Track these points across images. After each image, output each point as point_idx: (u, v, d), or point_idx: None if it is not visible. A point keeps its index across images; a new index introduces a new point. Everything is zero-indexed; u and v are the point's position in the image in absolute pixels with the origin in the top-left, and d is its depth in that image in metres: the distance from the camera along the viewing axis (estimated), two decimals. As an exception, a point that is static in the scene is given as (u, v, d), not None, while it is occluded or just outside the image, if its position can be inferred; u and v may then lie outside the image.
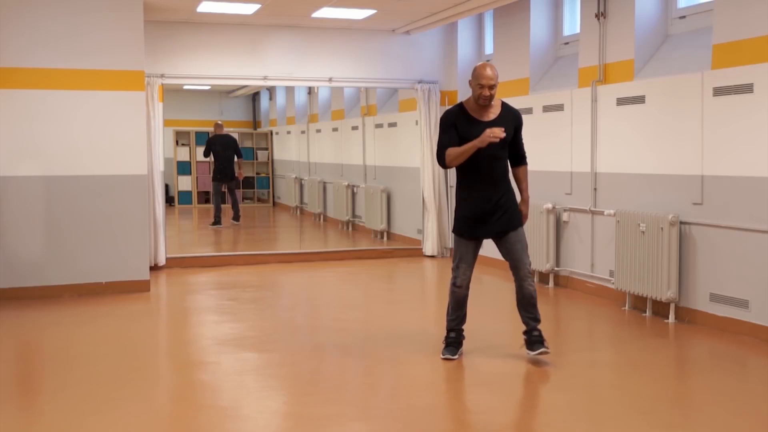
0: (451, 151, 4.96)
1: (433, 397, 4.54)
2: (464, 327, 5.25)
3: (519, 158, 5.23)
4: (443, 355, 5.15)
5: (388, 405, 4.43)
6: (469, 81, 4.99)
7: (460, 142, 4.96)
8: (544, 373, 4.93)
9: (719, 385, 4.80)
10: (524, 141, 5.25)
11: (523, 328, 5.14)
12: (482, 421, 4.25)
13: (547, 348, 5.03)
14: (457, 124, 4.99)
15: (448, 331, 5.23)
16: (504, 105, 5.11)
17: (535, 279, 7.57)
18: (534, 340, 5.06)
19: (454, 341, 5.20)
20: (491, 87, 4.91)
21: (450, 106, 5.23)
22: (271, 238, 13.12)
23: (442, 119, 5.10)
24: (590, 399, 4.52)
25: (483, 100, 4.94)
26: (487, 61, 9.69)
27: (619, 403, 4.43)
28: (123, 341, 5.88)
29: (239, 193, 15.34)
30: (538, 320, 5.10)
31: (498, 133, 4.81)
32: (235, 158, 13.45)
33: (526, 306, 5.08)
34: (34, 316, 6.71)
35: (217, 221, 13.23)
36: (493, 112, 5.03)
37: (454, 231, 5.15)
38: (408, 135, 10.69)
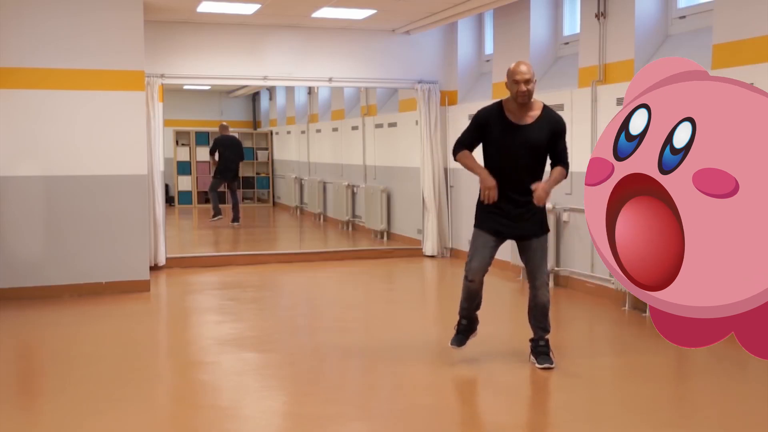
0: (463, 158, 4.92)
1: (433, 397, 4.54)
2: (478, 313, 5.08)
3: (559, 163, 4.95)
4: (451, 343, 5.05)
5: (388, 405, 4.43)
6: (505, 83, 4.84)
7: (489, 143, 4.86)
8: (544, 372, 4.92)
9: (719, 385, 4.80)
10: None
11: (530, 336, 5.02)
12: (482, 421, 4.26)
13: (552, 362, 4.89)
14: (489, 125, 4.86)
15: (461, 318, 5.08)
16: (545, 109, 4.89)
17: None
18: (540, 351, 4.95)
19: (465, 328, 5.06)
20: (527, 82, 4.72)
21: (488, 104, 5.01)
22: (271, 238, 13.13)
23: (475, 115, 4.96)
24: (590, 399, 4.52)
25: (521, 97, 4.75)
26: (487, 61, 9.71)
27: (619, 403, 4.43)
28: (123, 341, 5.88)
29: (239, 193, 15.43)
30: (547, 330, 4.96)
31: (490, 197, 4.75)
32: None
33: (538, 315, 4.96)
34: (34, 316, 6.71)
35: (217, 213, 13.41)
36: (531, 116, 4.83)
37: (475, 223, 4.95)
38: (408, 135, 10.69)
